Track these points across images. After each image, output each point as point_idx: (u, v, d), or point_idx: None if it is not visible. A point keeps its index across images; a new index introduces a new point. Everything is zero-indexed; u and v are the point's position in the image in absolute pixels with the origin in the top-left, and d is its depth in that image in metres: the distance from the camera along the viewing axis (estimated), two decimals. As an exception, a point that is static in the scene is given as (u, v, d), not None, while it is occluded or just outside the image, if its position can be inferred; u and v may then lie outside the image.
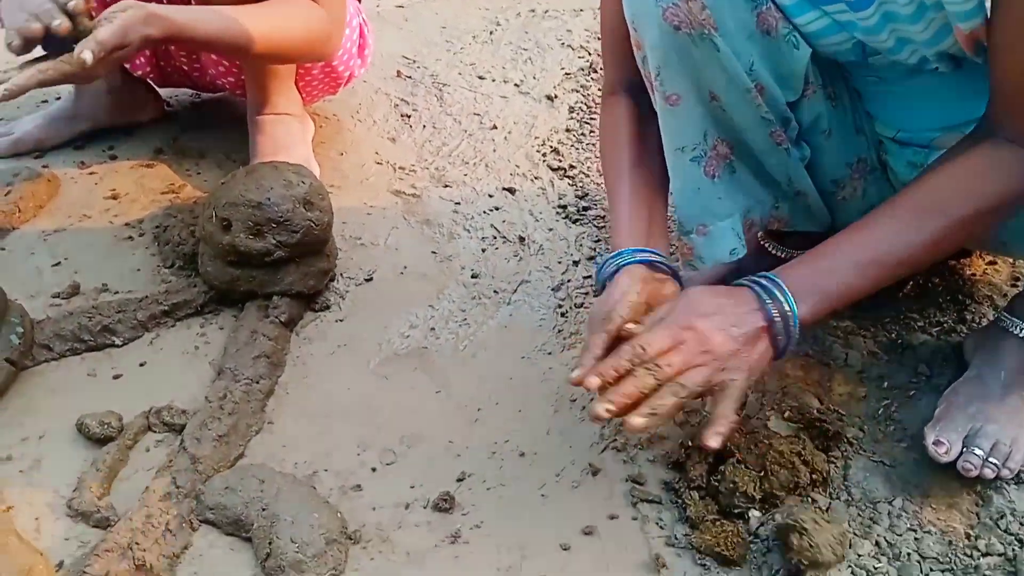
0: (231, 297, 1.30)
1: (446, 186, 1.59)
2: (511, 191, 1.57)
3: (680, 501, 1.03)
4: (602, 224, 1.48)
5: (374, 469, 1.09)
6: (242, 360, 1.19)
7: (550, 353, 1.26)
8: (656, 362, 0.88)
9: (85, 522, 1.01)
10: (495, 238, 1.47)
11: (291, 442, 1.13)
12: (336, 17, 1.36)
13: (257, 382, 1.17)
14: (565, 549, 1.00)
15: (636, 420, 0.87)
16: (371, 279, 1.39)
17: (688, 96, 1.00)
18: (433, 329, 1.30)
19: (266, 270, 1.27)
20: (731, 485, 1.01)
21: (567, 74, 1.92)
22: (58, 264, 1.38)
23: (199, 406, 1.14)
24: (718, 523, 0.99)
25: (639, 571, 0.98)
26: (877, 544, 0.99)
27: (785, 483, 1.02)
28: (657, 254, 1.02)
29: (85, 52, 1.07)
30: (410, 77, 1.90)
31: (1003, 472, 1.02)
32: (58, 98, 1.77)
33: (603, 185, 1.45)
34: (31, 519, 1.01)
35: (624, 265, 1.00)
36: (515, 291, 1.37)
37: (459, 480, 1.08)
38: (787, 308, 0.90)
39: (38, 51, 1.10)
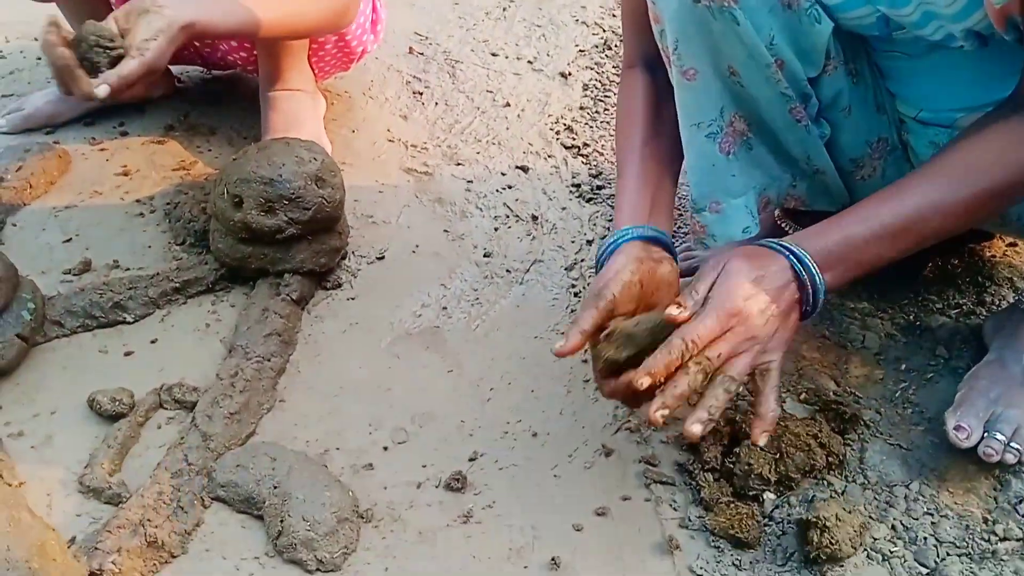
0: (242, 274, 1.29)
1: (458, 164, 1.57)
2: (524, 169, 1.56)
3: (694, 483, 1.03)
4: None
5: (386, 448, 1.09)
6: (253, 338, 1.18)
7: (563, 333, 1.23)
8: (706, 355, 0.86)
9: (97, 498, 1.01)
10: (508, 217, 1.46)
11: (302, 420, 1.12)
12: None
13: (268, 360, 1.16)
14: (578, 530, 0.99)
15: (695, 428, 0.85)
16: (383, 257, 1.38)
17: (705, 71, 0.99)
18: (445, 308, 1.29)
19: (277, 247, 1.26)
20: (746, 467, 1.00)
21: (581, 51, 1.90)
22: (69, 240, 1.38)
23: (210, 383, 1.13)
24: (732, 505, 0.98)
25: (652, 553, 0.97)
26: (893, 528, 0.98)
27: (801, 465, 1.01)
28: (654, 230, 1.01)
29: (101, 87, 1.08)
30: (422, 54, 1.88)
31: None
32: (69, 74, 1.76)
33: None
34: (43, 495, 1.02)
35: (620, 243, 0.99)
36: (528, 271, 1.36)
37: (471, 460, 1.07)
38: (817, 281, 0.90)
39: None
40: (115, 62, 1.11)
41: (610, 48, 1.90)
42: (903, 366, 1.16)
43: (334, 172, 1.28)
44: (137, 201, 1.46)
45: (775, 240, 0.93)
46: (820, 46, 0.99)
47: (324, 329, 1.26)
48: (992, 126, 0.90)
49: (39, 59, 1.84)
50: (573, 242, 1.41)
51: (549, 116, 1.69)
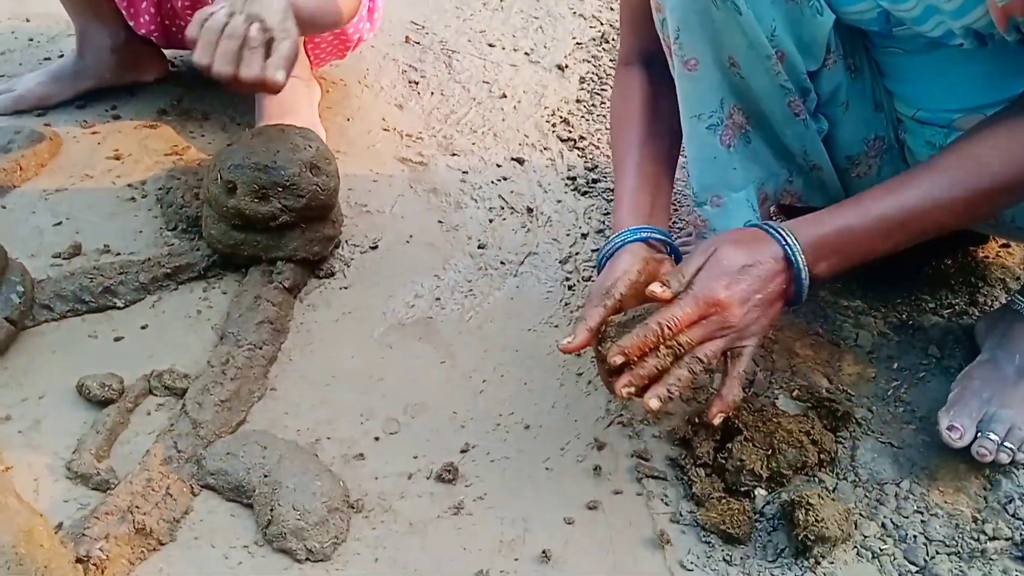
0: (235, 261, 1.28)
1: (454, 155, 1.56)
2: (520, 161, 1.55)
3: (686, 478, 1.03)
4: (611, 197, 1.46)
5: (377, 438, 1.08)
6: (245, 325, 1.17)
7: (557, 326, 1.24)
8: (678, 340, 0.88)
9: (84, 484, 1.00)
10: (503, 208, 1.45)
11: (294, 409, 1.11)
12: None
13: (260, 348, 1.15)
14: (569, 523, 0.99)
15: (653, 403, 0.88)
16: (376, 247, 1.37)
17: (706, 61, 0.98)
18: (439, 299, 1.28)
19: (270, 235, 1.25)
20: (738, 463, 1.00)
21: (578, 44, 1.89)
22: (59, 224, 1.36)
23: (201, 370, 1.12)
24: (724, 501, 0.98)
25: (643, 547, 0.97)
26: (883, 526, 0.98)
27: (792, 462, 1.01)
28: (658, 231, 1.03)
29: (279, 73, 1.09)
30: (419, 43, 1.87)
31: (1019, 456, 1.01)
32: (60, 55, 1.75)
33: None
34: (30, 480, 1.01)
35: (627, 243, 1.01)
36: (522, 263, 1.35)
37: (463, 451, 1.07)
38: (803, 272, 0.90)
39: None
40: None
41: (607, 41, 1.89)
42: (895, 365, 1.17)
43: (329, 160, 1.27)
44: (129, 186, 1.44)
45: (772, 224, 0.93)
46: (821, 39, 0.99)
47: (316, 318, 1.25)
48: (997, 124, 0.91)
49: (31, 40, 1.82)
50: (568, 235, 1.40)
51: (545, 108, 1.69)
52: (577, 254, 1.36)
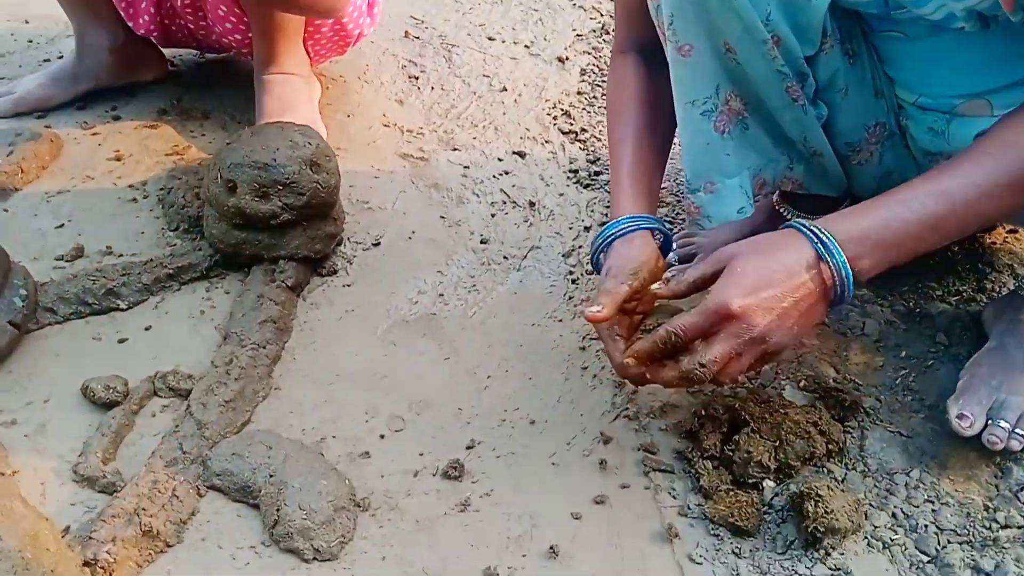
0: (237, 261, 1.28)
1: (455, 149, 1.56)
2: (521, 155, 1.54)
3: (693, 471, 1.02)
4: (614, 189, 1.45)
5: (382, 436, 1.08)
6: (248, 325, 1.17)
7: (560, 320, 1.24)
8: (700, 361, 0.87)
9: (91, 487, 1.00)
10: (505, 203, 1.45)
11: (298, 408, 1.11)
12: None
13: (264, 347, 1.15)
14: (576, 518, 0.99)
15: (628, 361, 0.92)
16: (379, 244, 1.36)
17: (701, 47, 0.98)
18: (442, 295, 1.28)
19: (272, 233, 1.24)
20: (745, 455, 0.99)
21: (578, 35, 1.88)
22: (61, 226, 1.36)
23: (205, 371, 1.12)
24: (732, 493, 0.98)
25: (651, 541, 0.96)
26: (894, 516, 0.98)
27: (800, 453, 1.00)
28: (660, 222, 1.05)
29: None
30: (418, 38, 1.86)
31: None
32: (60, 57, 1.74)
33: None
34: (36, 484, 1.00)
35: (641, 228, 1.02)
36: (525, 257, 1.35)
37: (468, 448, 1.06)
38: (843, 267, 0.86)
39: None
40: None
41: (607, 32, 1.88)
42: (903, 353, 1.16)
43: (329, 157, 1.27)
44: (130, 186, 1.44)
45: (802, 222, 0.89)
46: (817, 23, 0.98)
47: (320, 316, 1.24)
48: None
49: (30, 42, 1.82)
50: (571, 228, 1.39)
51: (546, 101, 1.68)
52: (580, 247, 1.36)
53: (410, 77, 1.74)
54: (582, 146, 1.56)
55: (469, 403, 1.12)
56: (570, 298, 1.27)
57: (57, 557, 0.87)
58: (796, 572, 0.93)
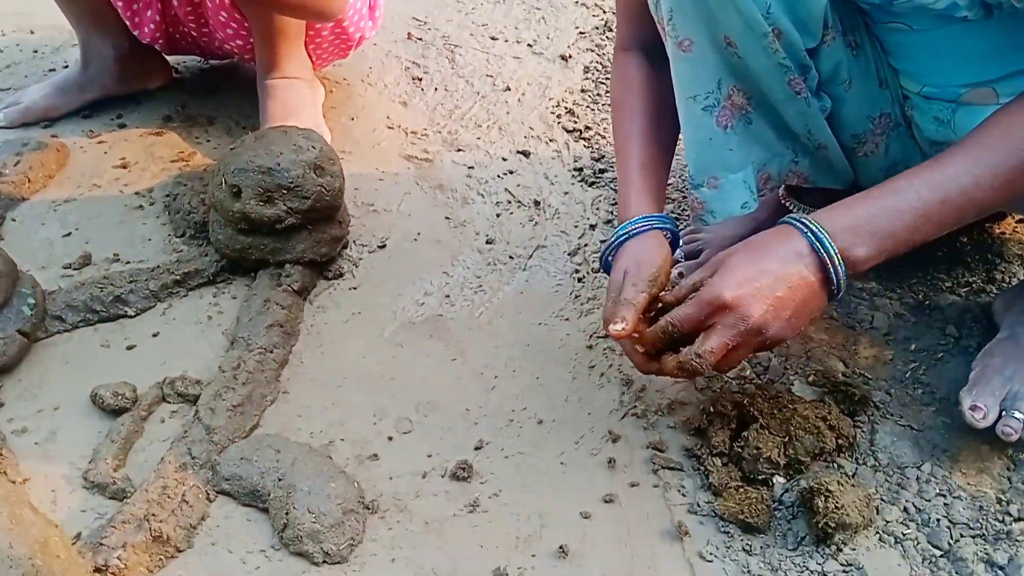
0: (243, 266, 1.28)
1: (459, 150, 1.56)
2: (525, 154, 1.54)
3: (702, 468, 1.01)
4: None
5: (390, 438, 1.08)
6: (255, 329, 1.17)
7: (567, 319, 1.23)
8: (697, 352, 0.89)
9: (101, 494, 1.01)
10: (510, 203, 1.44)
11: (306, 412, 1.11)
12: None
13: (271, 351, 1.15)
14: (585, 517, 0.98)
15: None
16: (384, 246, 1.36)
17: (702, 41, 0.97)
18: (448, 296, 1.28)
19: (278, 238, 1.25)
20: (755, 451, 0.99)
21: (581, 33, 1.87)
22: (69, 234, 1.37)
23: (213, 376, 1.12)
24: (741, 490, 0.97)
25: (661, 539, 0.96)
26: (905, 510, 0.97)
27: (810, 448, 1.00)
28: (670, 221, 1.05)
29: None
30: (421, 39, 1.86)
31: None
32: (65, 66, 1.75)
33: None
34: (47, 491, 1.01)
35: (653, 228, 1.03)
36: (531, 256, 1.34)
37: (477, 448, 1.06)
38: (835, 258, 0.87)
39: None
40: None
41: (611, 30, 1.87)
42: (912, 346, 1.15)
43: (333, 160, 1.27)
44: (136, 193, 1.44)
45: (795, 216, 0.91)
46: (817, 15, 0.97)
47: (326, 319, 1.24)
48: None
49: (35, 52, 1.83)
50: (576, 227, 1.39)
51: (550, 100, 1.67)
52: (586, 246, 1.35)
53: (413, 79, 1.74)
54: (586, 144, 1.56)
55: (477, 403, 1.12)
56: (576, 297, 1.27)
57: (67, 564, 0.88)
58: (807, 568, 0.92)
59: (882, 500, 0.98)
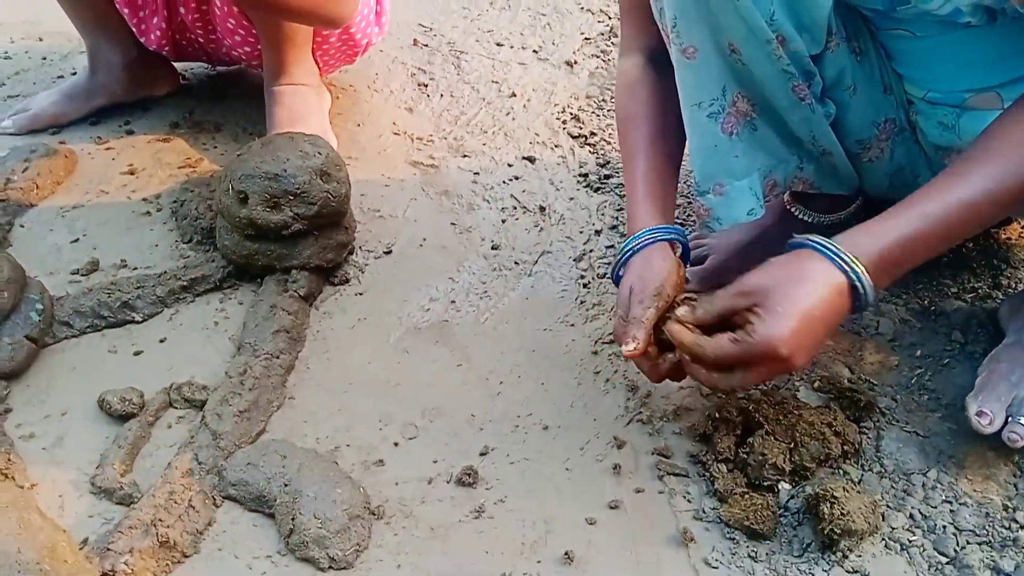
0: (249, 271, 1.29)
1: (465, 156, 1.56)
2: (531, 160, 1.54)
3: (708, 474, 1.01)
4: (624, 193, 1.45)
5: (396, 444, 1.08)
6: (262, 335, 1.18)
7: (572, 324, 1.24)
8: (731, 384, 0.90)
9: (108, 499, 1.01)
10: (515, 208, 1.45)
11: (312, 417, 1.12)
12: None
13: (277, 357, 1.16)
14: (591, 523, 0.98)
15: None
16: (390, 252, 1.37)
17: (705, 49, 0.97)
18: (454, 302, 1.28)
19: (284, 243, 1.25)
20: (760, 457, 0.99)
21: (586, 39, 1.88)
22: (76, 240, 1.37)
23: (220, 382, 1.13)
24: (747, 496, 0.97)
25: (666, 545, 0.96)
26: (911, 516, 0.97)
27: (815, 455, 1.00)
28: (678, 231, 1.05)
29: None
30: (427, 45, 1.87)
31: None
32: (73, 73, 1.76)
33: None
34: (55, 497, 1.01)
35: (658, 240, 1.02)
36: (536, 262, 1.35)
37: (482, 454, 1.06)
38: (869, 294, 0.86)
39: None
40: None
41: (615, 36, 1.88)
42: (918, 352, 1.15)
43: (339, 166, 1.27)
44: (144, 200, 1.45)
45: (827, 244, 0.87)
46: (821, 21, 0.98)
47: (332, 325, 1.25)
48: None
49: (44, 59, 1.84)
50: (581, 232, 1.39)
51: (555, 106, 1.68)
52: (591, 251, 1.36)
53: (419, 85, 1.75)
54: (592, 150, 1.56)
55: (482, 409, 1.12)
56: (582, 302, 1.27)
57: (75, 569, 0.88)
58: (813, 575, 0.92)
59: (888, 506, 0.98)
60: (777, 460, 0.98)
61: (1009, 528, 0.95)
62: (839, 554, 0.93)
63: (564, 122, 1.63)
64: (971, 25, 0.95)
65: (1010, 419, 0.99)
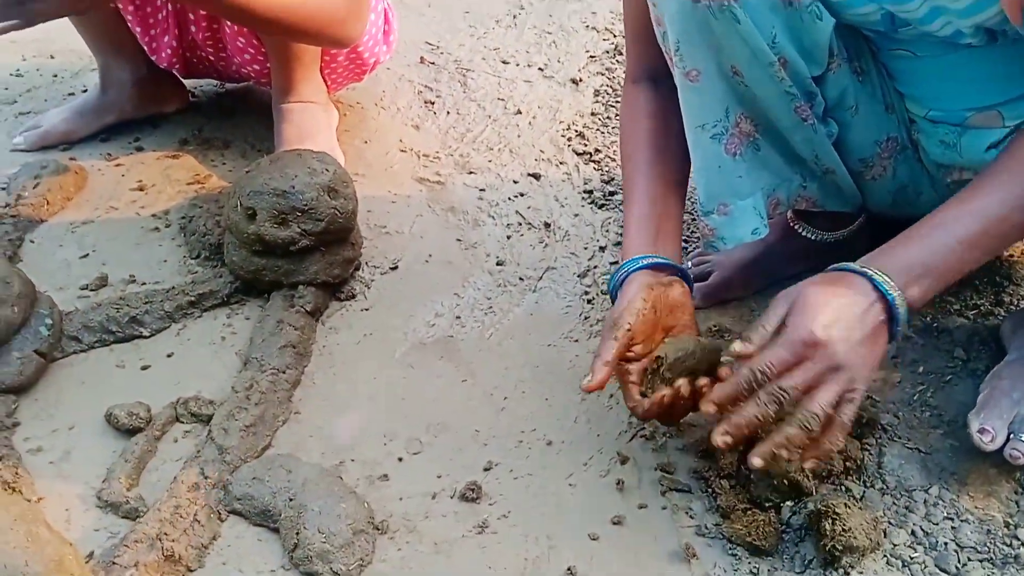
0: (257, 287, 1.30)
1: (470, 173, 1.57)
2: (536, 177, 1.56)
3: (710, 490, 1.02)
4: (629, 209, 1.46)
5: (401, 459, 1.09)
6: (268, 350, 1.19)
7: (577, 340, 1.24)
8: (781, 386, 0.85)
9: (114, 513, 1.02)
10: (520, 224, 1.46)
11: (318, 432, 1.12)
12: (355, 1, 1.34)
13: (283, 372, 1.17)
14: (594, 539, 0.99)
15: (756, 460, 0.86)
16: (396, 267, 1.38)
17: (709, 71, 0.99)
18: (459, 317, 1.29)
19: (291, 259, 1.26)
20: (763, 474, 0.99)
21: (592, 57, 1.89)
22: (86, 256, 1.39)
23: (226, 396, 1.14)
24: (749, 512, 0.98)
25: (669, 561, 0.96)
26: (913, 533, 0.97)
27: (818, 471, 1.00)
28: (660, 258, 1.03)
29: None
30: (433, 63, 1.89)
31: None
32: (84, 91, 1.78)
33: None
34: (61, 510, 1.02)
35: (630, 273, 1.02)
36: (541, 278, 1.36)
37: (486, 469, 1.07)
38: (898, 301, 0.87)
39: None
40: None
41: (621, 53, 1.89)
42: (920, 368, 1.15)
43: (346, 183, 1.29)
44: (153, 216, 1.47)
45: (850, 264, 0.90)
46: (823, 43, 0.99)
47: (338, 340, 1.26)
48: None
49: (55, 76, 1.87)
50: (586, 248, 1.40)
51: (560, 123, 1.69)
52: (595, 267, 1.37)
53: (426, 102, 1.76)
54: (596, 167, 1.57)
55: (486, 425, 1.13)
56: (586, 318, 1.28)
57: (81, 582, 0.89)
58: (815, 591, 0.92)
59: (890, 523, 0.98)
60: (798, 477, 0.97)
61: (1010, 545, 0.95)
62: (841, 571, 0.93)
63: (569, 139, 1.65)
64: (972, 45, 0.96)
65: (1012, 436, 0.99)
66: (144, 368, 1.21)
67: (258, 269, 1.27)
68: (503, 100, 1.76)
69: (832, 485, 1.02)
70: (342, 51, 1.54)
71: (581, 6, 2.07)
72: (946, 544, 0.95)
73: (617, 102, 1.74)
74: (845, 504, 0.94)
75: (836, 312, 0.86)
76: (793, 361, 0.85)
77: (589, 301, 1.31)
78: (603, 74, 1.83)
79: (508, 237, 1.43)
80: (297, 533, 0.96)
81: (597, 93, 1.77)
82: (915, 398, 1.12)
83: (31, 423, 1.13)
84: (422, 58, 1.90)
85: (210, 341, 1.25)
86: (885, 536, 0.96)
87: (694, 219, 1.44)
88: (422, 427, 1.13)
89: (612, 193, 1.51)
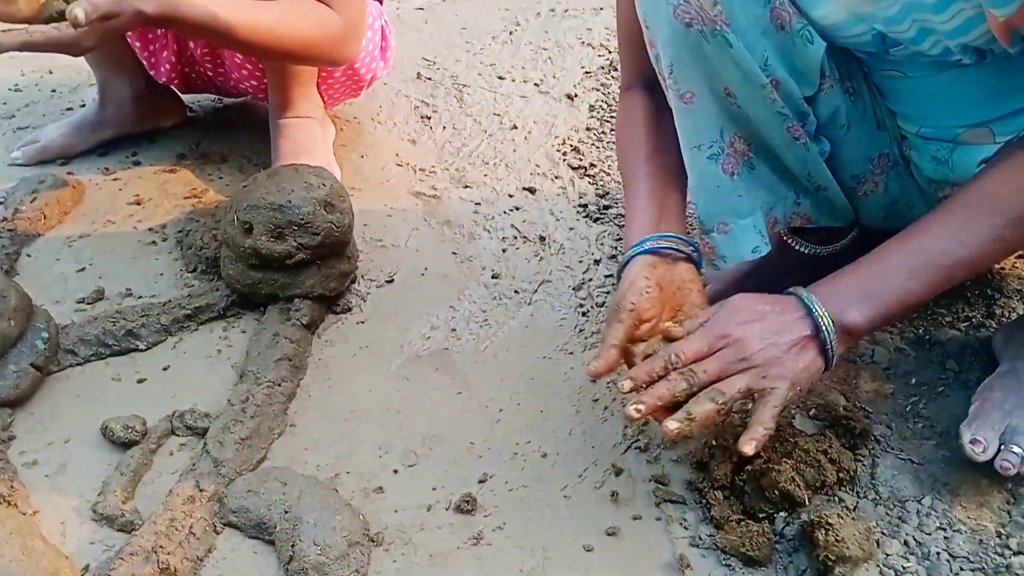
0: (253, 300, 1.31)
1: (466, 187, 1.58)
2: (531, 191, 1.57)
3: (704, 501, 1.02)
4: (623, 223, 1.47)
5: (396, 471, 1.09)
6: (264, 363, 1.19)
7: (571, 353, 1.25)
8: (691, 368, 0.91)
9: (110, 526, 1.02)
10: (516, 238, 1.47)
11: (313, 444, 1.13)
12: (351, 23, 1.34)
13: (279, 385, 1.17)
14: (588, 550, 0.99)
15: (670, 424, 0.89)
16: (392, 281, 1.39)
17: (702, 93, 1.00)
18: (454, 330, 1.30)
19: (287, 273, 1.27)
20: (756, 484, 0.99)
21: (587, 73, 1.91)
22: (83, 270, 1.39)
23: (222, 409, 1.14)
24: (743, 523, 0.98)
25: (663, 572, 0.97)
26: (906, 543, 0.97)
27: (811, 482, 1.00)
28: (665, 238, 1.03)
29: (77, 10, 1.04)
30: (430, 79, 1.90)
31: None
32: (83, 106, 1.80)
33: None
34: (57, 523, 1.02)
35: (632, 257, 1.02)
36: (536, 291, 1.36)
37: (481, 481, 1.07)
38: (826, 321, 0.92)
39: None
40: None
41: (616, 69, 1.91)
42: (913, 380, 1.16)
43: (343, 197, 1.30)
44: (149, 230, 1.47)
45: (792, 288, 0.96)
46: (814, 66, 1.00)
47: (334, 353, 1.26)
48: (1011, 156, 0.90)
49: (53, 91, 1.88)
50: (581, 262, 1.41)
51: (556, 138, 1.71)
52: (590, 280, 1.37)
53: (422, 117, 1.78)
54: (591, 181, 1.58)
55: (481, 437, 1.13)
56: (581, 331, 1.29)
57: (77, 594, 0.89)
58: (809, 602, 0.93)
59: (882, 533, 0.98)
60: (790, 488, 0.98)
61: (1002, 555, 0.95)
62: (834, 581, 0.93)
63: (564, 154, 1.66)
64: (962, 64, 0.97)
65: (1003, 447, 1.00)
66: (140, 381, 1.21)
67: (254, 282, 1.27)
68: (499, 115, 1.78)
69: (825, 496, 1.02)
70: (339, 68, 1.55)
71: (577, 23, 2.09)
72: (939, 554, 0.96)
73: (612, 117, 1.75)
74: (838, 515, 0.94)
75: (755, 315, 0.93)
76: (707, 352, 0.92)
77: (584, 314, 1.31)
78: (598, 90, 1.85)
79: (503, 250, 1.44)
80: (293, 545, 0.96)
81: (592, 108, 1.79)
82: (908, 409, 1.12)
83: (27, 436, 1.13)
84: (419, 74, 1.92)
85: (206, 354, 1.25)
86: (878, 546, 0.96)
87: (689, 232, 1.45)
88: (417, 439, 1.13)
89: (607, 207, 1.52)
